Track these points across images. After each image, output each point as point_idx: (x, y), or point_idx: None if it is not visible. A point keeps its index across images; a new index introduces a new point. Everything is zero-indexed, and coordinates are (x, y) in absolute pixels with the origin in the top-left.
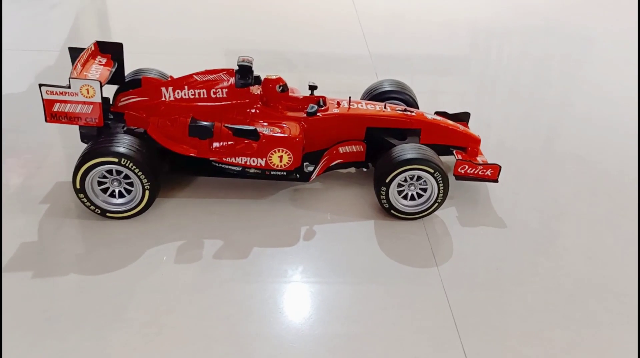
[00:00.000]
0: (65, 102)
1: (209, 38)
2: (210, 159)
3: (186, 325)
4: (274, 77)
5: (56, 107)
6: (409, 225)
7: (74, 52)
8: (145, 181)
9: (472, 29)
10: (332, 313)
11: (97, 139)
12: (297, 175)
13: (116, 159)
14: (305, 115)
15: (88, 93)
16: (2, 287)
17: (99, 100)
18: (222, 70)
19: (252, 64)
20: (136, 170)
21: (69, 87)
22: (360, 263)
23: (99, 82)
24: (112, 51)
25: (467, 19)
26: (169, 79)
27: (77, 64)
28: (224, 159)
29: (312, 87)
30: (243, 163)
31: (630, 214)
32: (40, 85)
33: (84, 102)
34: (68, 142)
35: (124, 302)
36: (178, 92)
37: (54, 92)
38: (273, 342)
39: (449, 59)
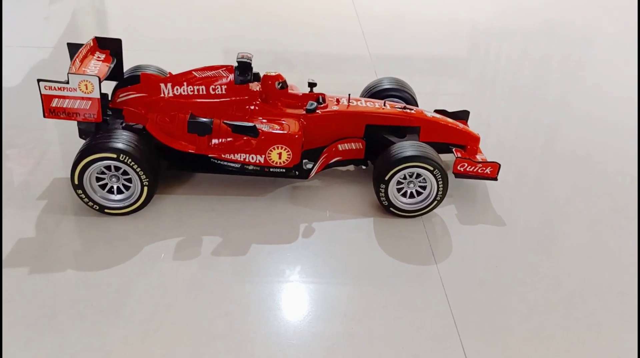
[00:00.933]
0: (64, 97)
1: (208, 37)
2: (209, 155)
3: (185, 322)
4: (273, 74)
5: (54, 103)
6: (408, 223)
7: (73, 48)
8: (143, 177)
9: (472, 30)
10: (331, 311)
11: (95, 135)
12: (296, 172)
13: (115, 155)
14: (304, 112)
15: (87, 89)
16: (2, 283)
17: (98, 96)
18: (222, 66)
19: (251, 60)
20: (135, 166)
21: (68, 82)
22: (359, 261)
23: (97, 78)
24: (111, 47)
25: (467, 19)
26: (168, 75)
27: (75, 59)
28: (223, 155)
29: (312, 85)
30: (242, 159)
31: (631, 214)
32: (39, 80)
33: (83, 98)
34: (66, 138)
35: (122, 299)
36: (177, 89)
37: (53, 88)
38: (272, 339)
39: (448, 60)
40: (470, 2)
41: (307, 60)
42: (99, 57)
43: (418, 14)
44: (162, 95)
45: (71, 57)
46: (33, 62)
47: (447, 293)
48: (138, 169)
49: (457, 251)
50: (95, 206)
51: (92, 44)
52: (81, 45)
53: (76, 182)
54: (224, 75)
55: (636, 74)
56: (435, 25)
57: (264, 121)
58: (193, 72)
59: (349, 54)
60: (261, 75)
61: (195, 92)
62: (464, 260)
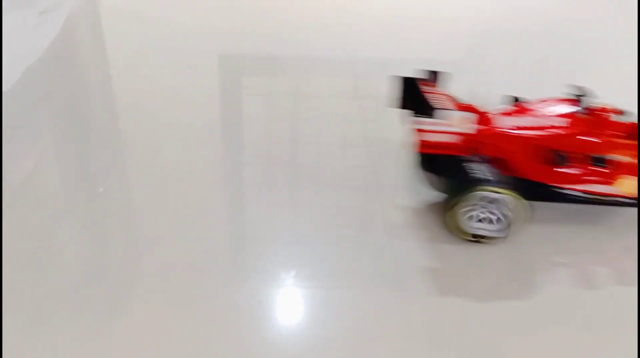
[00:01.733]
0: (440, 132)
1: (204, 39)
2: (550, 184)
3: (181, 326)
4: (602, 106)
5: (427, 137)
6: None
7: (407, 81)
8: (517, 206)
9: (470, 32)
10: (328, 317)
11: (470, 169)
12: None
13: (495, 189)
14: (634, 141)
15: (463, 124)
16: (2, 285)
17: (472, 131)
18: (564, 99)
19: (589, 94)
20: (509, 197)
21: (442, 118)
22: (355, 267)
23: (474, 115)
24: (437, 79)
25: (465, 21)
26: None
27: (434, 94)
28: (566, 185)
29: (623, 113)
30: (585, 189)
31: (629, 219)
32: (413, 115)
33: (456, 133)
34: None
35: (121, 301)
36: (521, 121)
37: (426, 123)
38: (268, 344)
39: (446, 62)
40: (468, 4)
41: (303, 63)
42: (440, 91)
43: (415, 15)
44: (504, 128)
45: (403, 91)
46: (19, 76)
47: (439, 298)
48: (511, 200)
49: (451, 257)
50: (465, 236)
51: (430, 77)
52: (415, 79)
53: (457, 215)
54: (568, 107)
55: (636, 78)
56: (432, 26)
57: (611, 151)
58: (534, 104)
59: (345, 56)
60: (581, 105)
61: (540, 126)
62: (458, 266)
